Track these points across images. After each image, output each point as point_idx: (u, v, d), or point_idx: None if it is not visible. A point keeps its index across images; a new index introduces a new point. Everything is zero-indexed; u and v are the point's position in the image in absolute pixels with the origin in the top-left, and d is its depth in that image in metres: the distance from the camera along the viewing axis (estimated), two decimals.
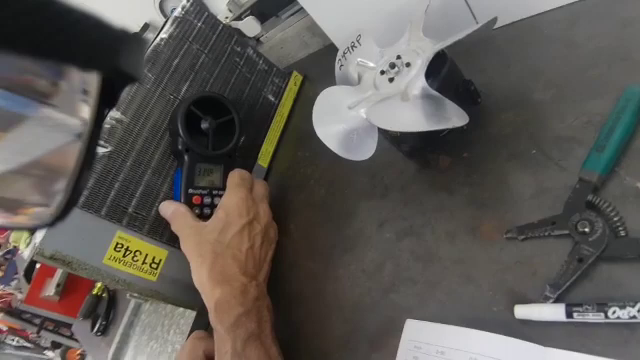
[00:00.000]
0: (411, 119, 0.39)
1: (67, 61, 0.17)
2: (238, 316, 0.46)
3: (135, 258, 0.56)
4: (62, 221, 0.21)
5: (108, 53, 0.18)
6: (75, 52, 0.16)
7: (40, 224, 0.22)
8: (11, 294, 1.82)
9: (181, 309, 0.67)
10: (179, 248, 0.55)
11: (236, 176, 0.56)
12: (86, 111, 0.20)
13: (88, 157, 0.20)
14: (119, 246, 0.54)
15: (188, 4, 0.61)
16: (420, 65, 0.41)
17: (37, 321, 1.57)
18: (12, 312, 1.72)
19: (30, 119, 0.20)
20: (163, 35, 0.59)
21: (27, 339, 2.12)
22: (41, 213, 0.21)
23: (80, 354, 1.70)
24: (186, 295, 0.59)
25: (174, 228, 0.55)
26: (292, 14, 0.70)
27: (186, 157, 0.57)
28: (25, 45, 0.14)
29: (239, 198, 0.53)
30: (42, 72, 0.19)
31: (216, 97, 0.60)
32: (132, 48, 0.19)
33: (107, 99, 0.19)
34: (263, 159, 0.67)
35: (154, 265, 0.57)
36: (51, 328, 1.56)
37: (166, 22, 0.61)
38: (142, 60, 0.20)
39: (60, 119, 0.21)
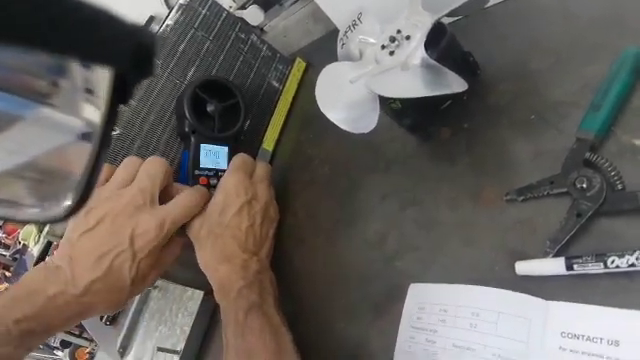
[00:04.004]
0: (410, 86, 0.40)
1: (81, 56, 0.17)
2: (240, 289, 0.47)
3: None
4: (74, 215, 0.21)
5: (121, 48, 0.18)
6: (89, 47, 0.16)
7: (53, 218, 0.22)
8: None
9: (189, 292, 0.68)
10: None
11: (238, 159, 0.57)
12: (89, 110, 0.20)
13: (101, 153, 0.20)
14: None
15: None
16: (419, 37, 0.42)
17: None
18: None
19: (26, 119, 0.19)
20: (169, 22, 0.61)
21: None
22: (54, 207, 0.21)
23: (89, 352, 1.71)
24: (194, 275, 0.60)
25: None
26: (294, 1, 0.72)
27: (192, 139, 0.58)
28: (39, 40, 0.14)
29: (236, 179, 0.54)
30: (41, 72, 0.19)
31: (221, 81, 0.61)
32: (145, 43, 0.19)
33: (120, 95, 0.19)
34: (268, 143, 0.68)
35: None
36: None
37: (171, 9, 0.62)
38: (155, 55, 0.20)
39: (60, 119, 0.20)
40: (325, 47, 0.55)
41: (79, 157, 0.20)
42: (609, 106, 0.35)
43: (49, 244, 0.91)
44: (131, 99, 0.55)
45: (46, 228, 0.53)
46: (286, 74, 0.72)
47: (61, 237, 0.51)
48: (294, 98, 0.72)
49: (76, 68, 0.19)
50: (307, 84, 0.72)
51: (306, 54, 0.75)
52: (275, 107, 0.70)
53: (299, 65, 0.73)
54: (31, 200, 0.23)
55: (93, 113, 0.20)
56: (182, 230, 0.54)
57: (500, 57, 0.47)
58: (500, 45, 0.48)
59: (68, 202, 0.21)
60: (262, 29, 0.77)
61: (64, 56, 0.17)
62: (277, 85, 0.71)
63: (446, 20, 0.45)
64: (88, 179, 0.20)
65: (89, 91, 0.20)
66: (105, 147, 0.20)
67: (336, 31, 0.62)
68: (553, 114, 0.40)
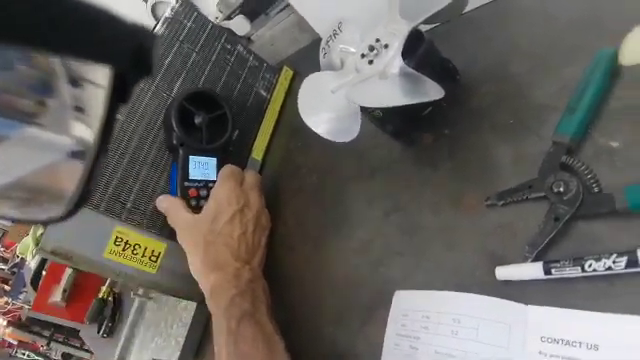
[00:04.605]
0: (389, 95, 0.40)
1: (81, 55, 0.17)
2: (232, 297, 0.47)
3: (135, 251, 0.57)
4: (74, 216, 0.21)
5: (121, 48, 0.18)
6: (89, 47, 0.17)
7: (52, 219, 0.22)
8: (20, 308, 1.85)
9: (183, 303, 0.68)
10: (177, 241, 0.57)
11: (226, 169, 0.58)
12: (80, 128, 0.20)
13: (100, 153, 0.20)
14: (119, 240, 0.56)
15: (177, 5, 0.63)
16: (397, 45, 0.43)
17: (46, 333, 1.59)
18: (21, 325, 1.74)
19: (11, 140, 0.19)
20: None
21: (38, 352, 2.14)
22: (53, 207, 0.21)
23: None
24: (186, 286, 0.60)
25: (170, 221, 0.57)
26: (280, 10, 0.72)
27: (181, 151, 0.58)
28: (40, 40, 0.15)
29: (228, 188, 0.55)
30: (26, 91, 0.19)
31: (208, 92, 0.62)
32: (145, 42, 0.19)
33: (120, 94, 0.19)
34: (257, 152, 0.68)
35: (153, 258, 0.58)
36: (61, 339, 1.58)
37: (157, 23, 0.63)
38: (154, 55, 0.20)
39: (47, 138, 0.20)
40: (312, 55, 0.55)
41: (69, 175, 0.20)
42: (584, 109, 0.36)
43: (45, 258, 0.91)
44: (129, 99, 0.55)
45: (39, 243, 0.53)
46: (274, 83, 0.72)
47: (51, 252, 0.52)
48: (282, 106, 0.72)
49: (64, 86, 0.19)
50: (295, 92, 0.72)
51: (293, 62, 0.76)
52: (263, 116, 0.70)
53: (286, 73, 0.74)
54: (46, 194, 0.23)
55: (84, 131, 0.20)
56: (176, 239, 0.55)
57: (481, 61, 0.47)
58: (481, 49, 0.48)
59: (65, 206, 0.21)
60: (249, 39, 0.78)
61: (64, 56, 0.17)
62: (265, 94, 0.71)
63: (425, 27, 0.45)
64: (88, 179, 0.20)
65: (79, 109, 0.20)
66: (104, 147, 0.20)
67: (321, 39, 0.62)
68: (532, 117, 0.40)
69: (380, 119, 0.48)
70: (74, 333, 1.38)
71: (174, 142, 0.58)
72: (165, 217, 0.57)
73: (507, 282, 0.35)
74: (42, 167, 0.22)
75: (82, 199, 0.21)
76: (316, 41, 0.72)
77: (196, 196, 0.58)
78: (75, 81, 0.19)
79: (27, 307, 1.61)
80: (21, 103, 0.19)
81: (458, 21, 0.51)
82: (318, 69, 0.51)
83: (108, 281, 0.96)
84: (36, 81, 0.19)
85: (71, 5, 0.15)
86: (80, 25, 0.16)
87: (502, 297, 0.34)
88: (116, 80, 0.19)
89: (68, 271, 1.01)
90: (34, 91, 0.19)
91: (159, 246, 0.59)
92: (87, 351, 1.47)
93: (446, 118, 0.47)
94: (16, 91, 0.19)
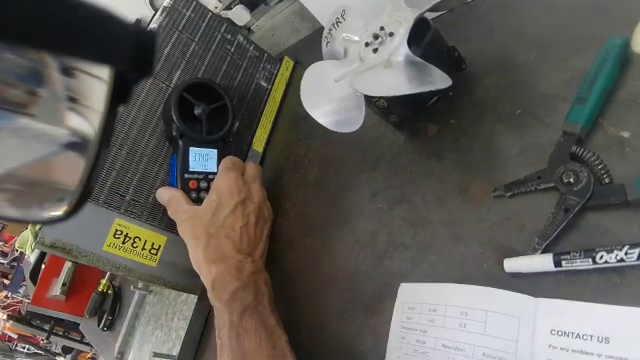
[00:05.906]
0: (394, 84, 0.39)
1: (80, 55, 0.17)
2: (234, 290, 0.46)
3: (135, 244, 0.56)
4: (75, 215, 0.21)
5: (121, 47, 0.18)
6: (88, 46, 0.16)
7: (54, 218, 0.21)
8: (20, 302, 1.85)
9: (184, 296, 0.68)
10: (178, 233, 0.56)
11: (228, 161, 0.57)
12: (75, 119, 0.19)
13: (100, 153, 0.19)
14: (118, 233, 0.55)
15: None
16: (402, 33, 0.42)
17: (46, 327, 1.58)
18: (21, 319, 1.74)
19: (2, 130, 0.19)
20: (153, 25, 0.60)
21: (38, 346, 2.14)
22: (55, 207, 0.21)
23: (91, 357, 1.72)
24: (187, 279, 0.60)
25: (170, 213, 0.56)
26: (280, 0, 0.71)
27: (180, 143, 0.58)
28: (40, 39, 0.14)
29: (230, 179, 0.54)
30: (15, 81, 0.18)
31: (207, 83, 0.61)
32: (145, 42, 0.19)
33: (120, 94, 0.19)
34: (258, 144, 0.68)
35: (154, 251, 0.58)
36: (61, 333, 1.58)
37: (155, 13, 0.62)
38: (154, 54, 0.19)
39: (40, 129, 0.20)
40: (313, 45, 0.54)
41: (69, 170, 0.20)
42: (595, 99, 0.35)
43: (44, 252, 0.90)
44: (130, 99, 0.54)
45: (37, 237, 0.53)
46: (274, 74, 0.71)
47: (50, 246, 0.51)
48: (283, 97, 0.71)
49: (55, 76, 0.18)
50: (295, 83, 0.72)
51: (295, 52, 0.75)
52: (264, 107, 0.70)
53: (287, 64, 0.73)
54: (15, 211, 0.22)
55: (80, 122, 0.19)
56: (177, 232, 0.54)
57: (486, 50, 0.46)
58: (486, 38, 0.47)
59: (65, 205, 0.20)
60: (249, 29, 0.76)
61: (63, 55, 0.17)
62: (265, 85, 0.70)
63: (430, 15, 0.44)
64: (90, 176, 0.20)
65: (73, 99, 0.19)
66: (105, 147, 0.19)
67: (323, 28, 0.61)
68: (539, 107, 0.39)
69: (384, 109, 0.47)
70: (74, 327, 1.38)
71: (174, 133, 0.58)
72: (165, 209, 0.57)
73: (515, 275, 0.34)
74: (38, 159, 0.22)
75: (84, 196, 0.20)
76: (317, 31, 0.71)
77: (196, 188, 0.58)
78: (67, 70, 0.19)
79: (27, 301, 1.60)
80: (10, 93, 0.19)
81: (462, 10, 0.50)
82: (320, 59, 0.50)
83: (107, 274, 0.96)
84: (25, 70, 0.18)
85: (71, 4, 0.15)
86: (80, 24, 0.16)
87: (511, 290, 0.33)
88: (116, 79, 0.18)
89: (67, 264, 1.01)
90: (23, 80, 0.19)
91: (159, 239, 0.58)
92: (87, 344, 1.47)
93: (451, 108, 0.46)
94: (4, 80, 0.18)
